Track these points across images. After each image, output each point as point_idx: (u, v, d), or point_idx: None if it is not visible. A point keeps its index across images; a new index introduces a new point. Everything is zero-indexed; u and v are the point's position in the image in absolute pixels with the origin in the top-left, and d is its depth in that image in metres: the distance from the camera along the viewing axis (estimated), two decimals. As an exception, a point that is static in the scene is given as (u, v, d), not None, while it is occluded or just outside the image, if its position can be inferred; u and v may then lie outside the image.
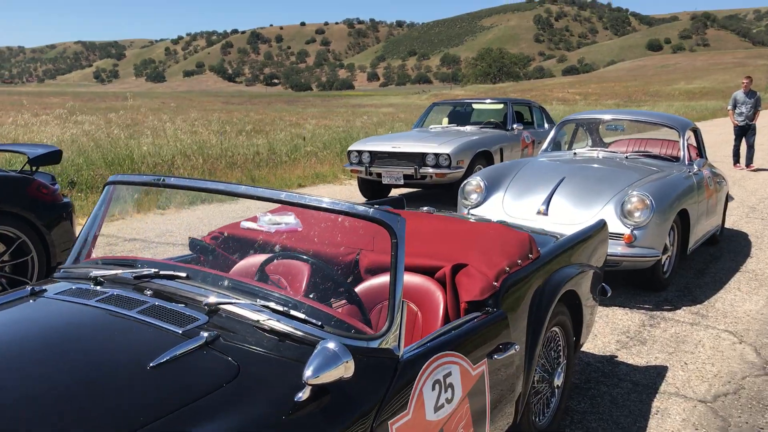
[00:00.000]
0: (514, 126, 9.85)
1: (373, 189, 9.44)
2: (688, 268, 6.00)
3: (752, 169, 12.93)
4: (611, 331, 4.44)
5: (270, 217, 2.55)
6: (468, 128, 9.99)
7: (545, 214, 5.09)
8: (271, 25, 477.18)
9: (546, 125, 10.86)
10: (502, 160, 9.29)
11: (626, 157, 6.01)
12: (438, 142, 8.87)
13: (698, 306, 4.96)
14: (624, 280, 5.37)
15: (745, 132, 13.18)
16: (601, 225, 3.63)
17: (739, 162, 13.32)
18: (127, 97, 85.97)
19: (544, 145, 6.67)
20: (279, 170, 12.58)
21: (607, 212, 4.95)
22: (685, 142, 6.03)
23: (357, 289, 2.43)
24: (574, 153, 6.26)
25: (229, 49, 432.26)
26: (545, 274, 2.82)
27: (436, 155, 8.62)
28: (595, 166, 5.78)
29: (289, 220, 2.46)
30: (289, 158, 13.89)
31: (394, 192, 9.98)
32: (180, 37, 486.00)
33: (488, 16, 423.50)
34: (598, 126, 6.89)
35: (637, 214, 4.83)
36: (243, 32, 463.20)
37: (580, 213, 5.01)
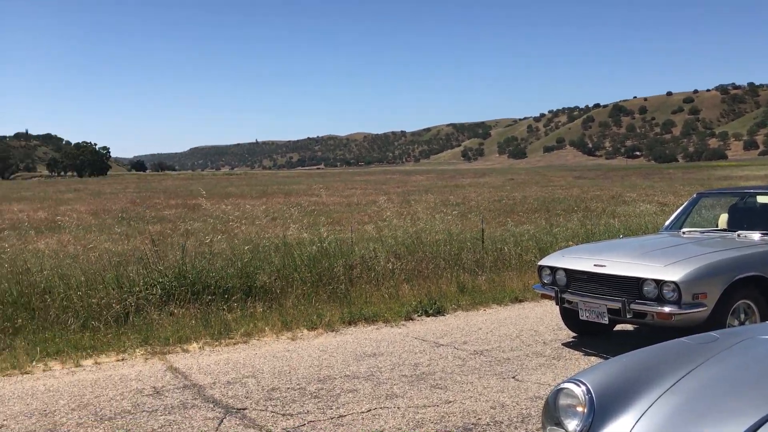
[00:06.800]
0: (828, 234, 5.89)
1: (580, 321, 6.41)
2: None
3: None
4: None
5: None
6: (753, 236, 6.28)
7: None
8: (635, 97, 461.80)
9: None
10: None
11: None
12: (669, 260, 5.58)
13: None
14: None
15: None
16: None
17: None
18: (483, 174, 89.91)
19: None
20: (511, 275, 9.79)
21: None
22: None
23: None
24: None
25: (590, 123, 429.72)
26: None
27: (657, 283, 5.38)
28: None
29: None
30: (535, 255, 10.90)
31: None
32: (542, 115, 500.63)
33: None
34: None
35: None
36: (605, 106, 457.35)
37: None
